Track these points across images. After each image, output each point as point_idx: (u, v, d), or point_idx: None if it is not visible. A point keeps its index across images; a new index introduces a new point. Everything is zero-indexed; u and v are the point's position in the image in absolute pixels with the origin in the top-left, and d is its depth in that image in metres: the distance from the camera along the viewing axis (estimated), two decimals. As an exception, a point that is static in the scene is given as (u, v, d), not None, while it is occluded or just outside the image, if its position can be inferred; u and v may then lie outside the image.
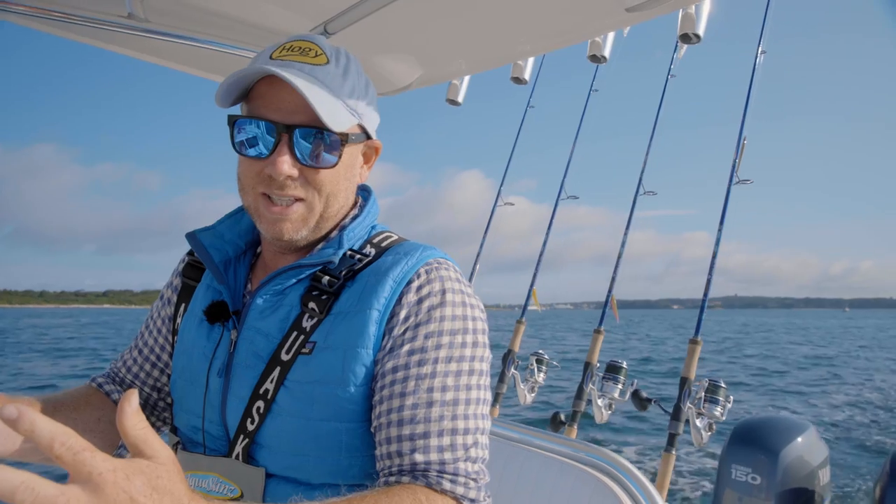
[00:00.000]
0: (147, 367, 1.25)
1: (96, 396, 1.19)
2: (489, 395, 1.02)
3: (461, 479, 0.93)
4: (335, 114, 0.97)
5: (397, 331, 0.97)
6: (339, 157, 1.00)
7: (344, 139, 1.00)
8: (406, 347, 0.96)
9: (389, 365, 0.96)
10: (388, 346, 0.97)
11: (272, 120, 0.97)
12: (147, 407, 1.26)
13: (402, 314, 0.98)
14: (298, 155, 0.98)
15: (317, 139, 0.98)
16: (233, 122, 1.00)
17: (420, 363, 0.96)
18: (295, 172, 0.98)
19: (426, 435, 0.93)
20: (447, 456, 0.93)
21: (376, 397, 0.97)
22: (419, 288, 0.99)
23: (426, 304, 0.98)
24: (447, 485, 0.91)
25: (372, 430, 0.98)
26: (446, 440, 0.93)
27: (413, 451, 0.92)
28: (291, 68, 0.98)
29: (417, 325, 0.97)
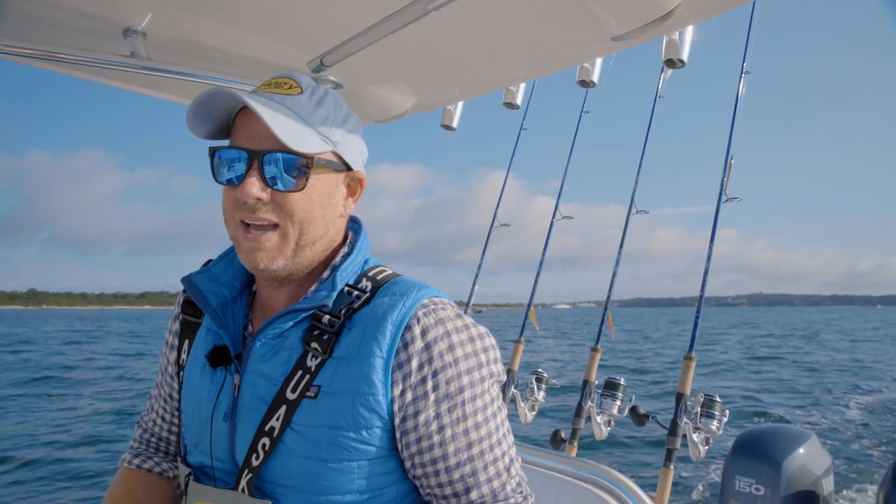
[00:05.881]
0: (176, 413, 1.26)
1: (139, 485, 1.22)
2: (506, 408, 1.10)
3: (511, 502, 1.06)
4: (297, 135, 0.99)
5: (414, 379, 1.00)
6: (307, 179, 1.01)
7: (309, 161, 1.01)
8: (432, 397, 1.00)
9: (422, 418, 1.00)
10: (409, 396, 1.00)
11: (244, 147, 1.00)
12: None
13: (414, 363, 1.00)
14: (267, 178, 1.00)
15: (284, 162, 1.00)
16: (212, 153, 1.04)
17: (450, 410, 1.01)
18: (264, 196, 1.00)
19: (474, 473, 1.04)
20: (495, 484, 1.05)
21: (413, 448, 1.02)
22: (423, 333, 1.01)
23: (436, 350, 1.01)
24: None
25: (412, 475, 1.06)
26: (491, 470, 1.05)
27: (467, 490, 1.04)
28: (261, 98, 1.01)
29: (435, 374, 1.00)
